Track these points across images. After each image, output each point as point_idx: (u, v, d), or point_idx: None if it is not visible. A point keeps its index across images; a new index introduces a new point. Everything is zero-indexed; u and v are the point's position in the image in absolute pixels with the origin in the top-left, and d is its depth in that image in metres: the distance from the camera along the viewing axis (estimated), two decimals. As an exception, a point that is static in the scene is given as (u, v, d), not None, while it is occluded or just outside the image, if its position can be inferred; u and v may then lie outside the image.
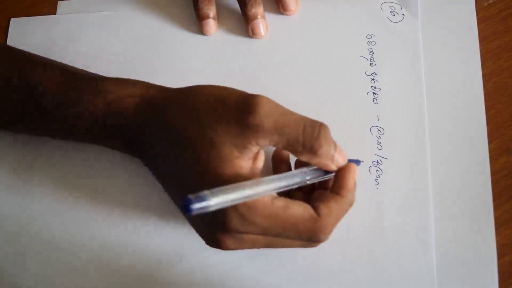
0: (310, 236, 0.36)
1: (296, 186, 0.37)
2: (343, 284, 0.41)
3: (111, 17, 0.50)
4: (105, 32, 0.49)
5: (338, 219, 0.37)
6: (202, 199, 0.30)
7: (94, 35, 0.49)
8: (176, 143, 0.37)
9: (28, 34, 0.50)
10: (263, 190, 0.34)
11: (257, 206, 0.34)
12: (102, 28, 0.50)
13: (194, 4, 0.48)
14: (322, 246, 0.41)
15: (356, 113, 0.44)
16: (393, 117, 0.44)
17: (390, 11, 0.47)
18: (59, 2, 0.51)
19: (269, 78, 0.46)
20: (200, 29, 0.48)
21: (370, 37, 0.46)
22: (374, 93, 0.45)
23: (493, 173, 0.42)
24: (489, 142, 0.43)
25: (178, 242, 0.43)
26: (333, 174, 0.38)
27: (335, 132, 0.43)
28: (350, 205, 0.38)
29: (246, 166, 0.36)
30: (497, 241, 0.41)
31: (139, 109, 0.39)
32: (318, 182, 0.39)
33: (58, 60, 0.45)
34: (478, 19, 0.46)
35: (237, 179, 0.34)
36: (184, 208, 0.30)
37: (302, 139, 0.35)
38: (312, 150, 0.35)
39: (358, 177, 0.42)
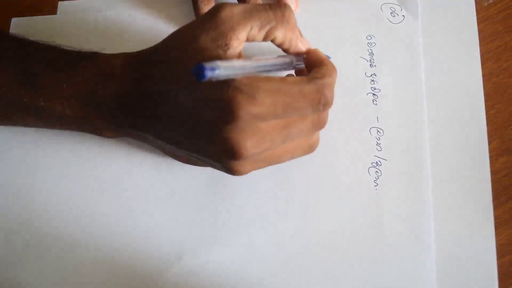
0: (316, 88, 0.36)
1: (286, 67, 0.40)
2: (343, 284, 0.41)
3: (111, 17, 0.50)
4: (105, 32, 0.49)
5: (332, 77, 0.38)
6: (213, 67, 0.32)
7: (94, 35, 0.49)
8: (172, 74, 0.38)
9: (28, 34, 0.50)
10: (263, 64, 0.37)
11: (258, 81, 0.35)
12: (102, 28, 0.49)
13: (193, 4, 0.48)
14: (322, 246, 0.42)
15: (356, 114, 0.44)
16: (392, 118, 0.44)
17: (390, 12, 0.47)
18: (59, 2, 0.51)
19: (269, 78, 0.46)
20: (200, 29, 0.48)
21: (370, 38, 0.46)
22: (373, 94, 0.45)
23: (493, 173, 0.42)
24: (489, 142, 0.43)
25: (177, 242, 0.43)
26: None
27: (334, 133, 0.43)
28: (335, 69, 0.39)
29: None
30: (497, 241, 0.41)
31: (127, 63, 0.41)
32: None
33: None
34: (478, 19, 0.46)
35: None
36: (198, 73, 0.31)
37: (272, 12, 0.38)
38: (284, 17, 0.38)
39: (357, 178, 0.43)
